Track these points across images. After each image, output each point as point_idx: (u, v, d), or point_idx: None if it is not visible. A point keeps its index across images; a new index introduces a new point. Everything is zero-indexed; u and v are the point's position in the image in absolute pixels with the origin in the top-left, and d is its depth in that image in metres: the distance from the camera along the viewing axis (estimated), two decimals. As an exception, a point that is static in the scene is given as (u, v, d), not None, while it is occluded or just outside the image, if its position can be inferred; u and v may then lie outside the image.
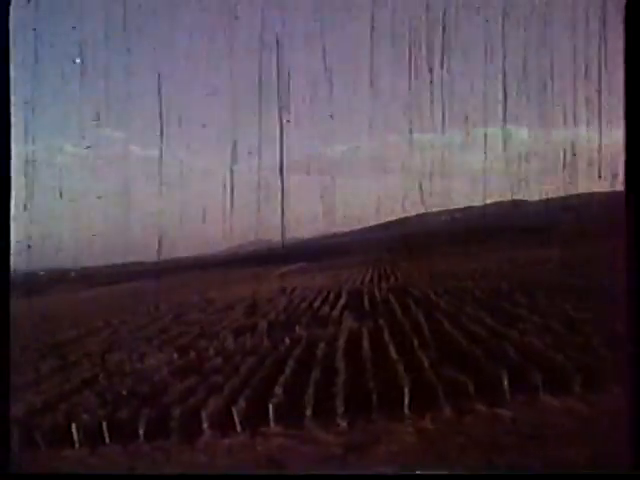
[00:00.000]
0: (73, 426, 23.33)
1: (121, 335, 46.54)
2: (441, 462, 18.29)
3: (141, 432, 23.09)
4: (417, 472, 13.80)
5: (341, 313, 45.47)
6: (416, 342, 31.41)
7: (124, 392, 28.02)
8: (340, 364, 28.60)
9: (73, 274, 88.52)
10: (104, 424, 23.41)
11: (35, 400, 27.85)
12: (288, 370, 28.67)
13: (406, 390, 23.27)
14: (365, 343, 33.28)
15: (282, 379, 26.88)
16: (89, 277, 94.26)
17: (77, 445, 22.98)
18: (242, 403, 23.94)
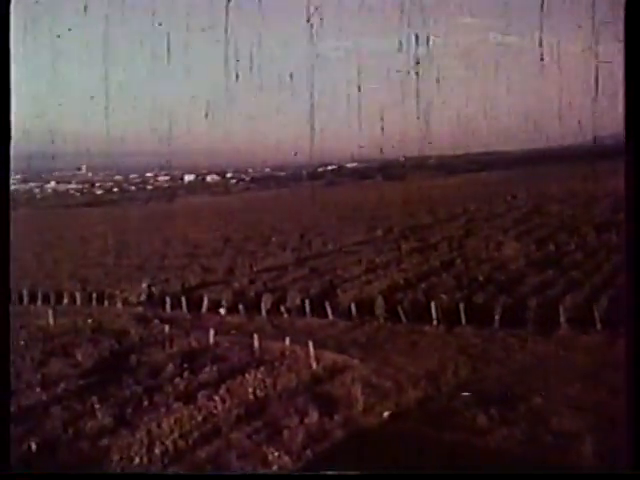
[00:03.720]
0: (432, 305, 24.50)
1: (478, 222, 47.08)
2: None
3: (496, 318, 23.31)
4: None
5: None
6: None
7: (480, 278, 28.42)
8: None
9: (432, 161, 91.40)
10: (461, 306, 24.12)
11: (398, 278, 29.80)
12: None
13: None
14: None
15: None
16: (448, 165, 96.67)
17: (435, 322, 24.13)
18: (604, 301, 22.60)
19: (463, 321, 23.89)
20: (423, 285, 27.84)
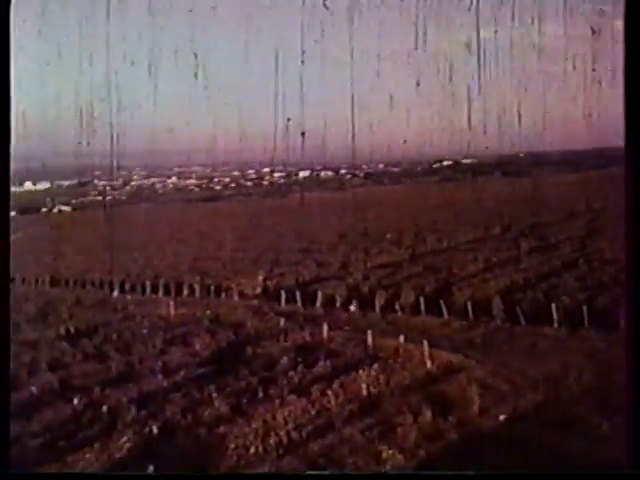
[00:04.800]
0: (553, 306, 23.54)
1: (603, 221, 44.89)
2: None
3: (622, 322, 22.05)
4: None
5: None
6: None
7: (605, 279, 27.04)
8: None
9: (554, 157, 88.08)
10: (584, 308, 23.04)
11: (517, 278, 28.87)
12: None
13: None
14: None
15: None
16: (572, 161, 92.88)
17: (556, 324, 23.17)
18: None
19: (586, 324, 22.81)
20: (543, 285, 26.82)
